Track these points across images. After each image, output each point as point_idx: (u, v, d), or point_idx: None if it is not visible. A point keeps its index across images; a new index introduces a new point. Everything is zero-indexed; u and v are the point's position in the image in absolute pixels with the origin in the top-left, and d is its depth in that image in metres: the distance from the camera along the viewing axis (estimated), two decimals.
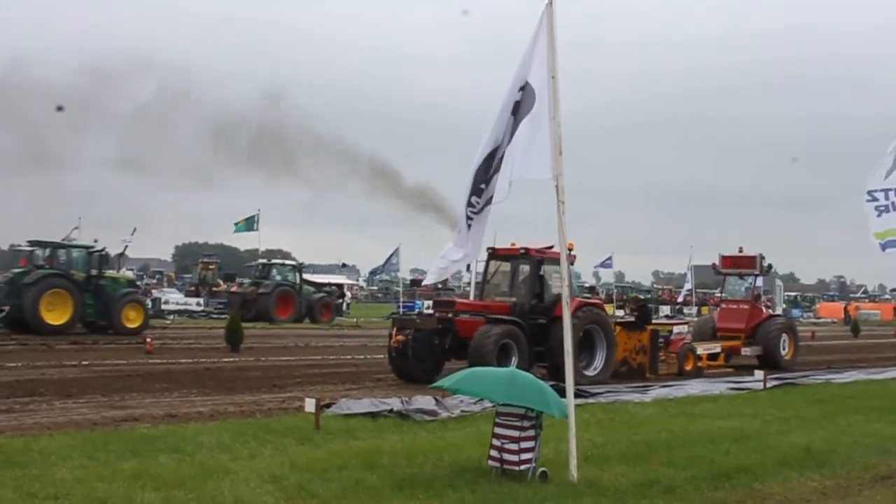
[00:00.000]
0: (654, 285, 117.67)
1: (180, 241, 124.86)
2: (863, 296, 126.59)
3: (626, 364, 24.72)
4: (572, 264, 23.55)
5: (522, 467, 10.80)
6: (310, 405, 14.58)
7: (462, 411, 16.43)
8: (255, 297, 48.74)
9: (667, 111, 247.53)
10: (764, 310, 33.06)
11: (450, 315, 22.48)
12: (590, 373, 22.90)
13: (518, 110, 10.97)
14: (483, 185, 11.26)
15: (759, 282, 34.23)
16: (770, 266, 32.47)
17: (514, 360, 21.06)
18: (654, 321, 29.84)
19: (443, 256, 13.02)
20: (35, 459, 11.21)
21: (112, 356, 27.95)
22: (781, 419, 16.98)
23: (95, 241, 39.93)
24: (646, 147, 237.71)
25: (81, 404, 17.56)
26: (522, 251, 23.51)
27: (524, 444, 10.86)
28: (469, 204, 11.39)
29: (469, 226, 11.50)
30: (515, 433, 10.92)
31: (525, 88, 10.97)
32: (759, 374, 23.49)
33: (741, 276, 33.33)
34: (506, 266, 24.51)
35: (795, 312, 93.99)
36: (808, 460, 12.94)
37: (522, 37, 11.29)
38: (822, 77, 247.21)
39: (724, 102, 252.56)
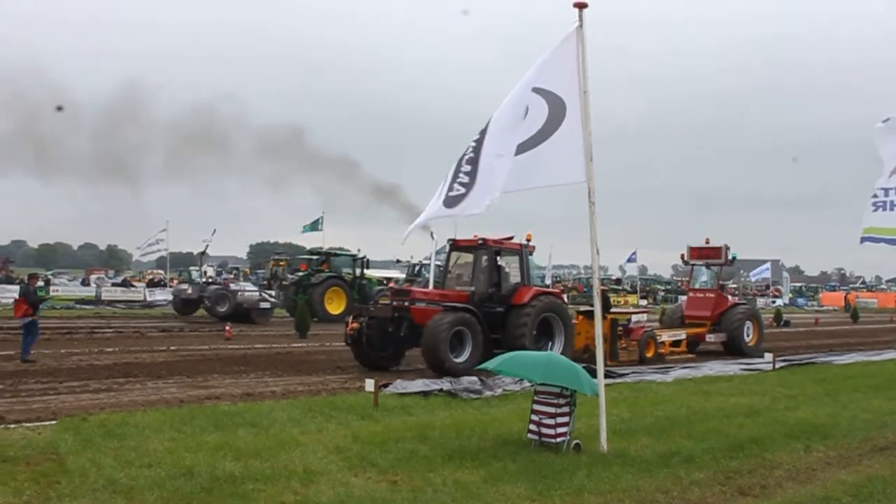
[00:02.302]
0: (674, 277, 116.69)
1: (254, 241, 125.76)
2: (861, 286, 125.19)
3: (587, 351, 22.79)
4: (531, 255, 23.07)
5: (558, 440, 10.78)
6: (369, 385, 14.64)
7: (504, 390, 16.41)
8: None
9: (685, 116, 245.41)
10: (729, 298, 31.09)
11: (406, 303, 21.03)
12: None
13: (526, 114, 10.81)
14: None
15: (773, 273, 33.33)
16: (735, 257, 30.65)
17: (469, 347, 19.91)
18: (622, 310, 29.06)
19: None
20: (131, 432, 11.33)
21: (196, 342, 28.16)
22: (789, 396, 16.83)
23: (358, 250, 45.57)
24: (665, 150, 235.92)
25: (170, 384, 17.71)
26: (481, 241, 22.08)
27: (560, 420, 10.85)
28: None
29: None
30: (552, 409, 10.91)
31: (548, 96, 10.85)
32: (768, 356, 23.21)
33: (708, 266, 31.87)
34: (466, 257, 23.00)
35: (801, 301, 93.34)
36: (813, 433, 12.84)
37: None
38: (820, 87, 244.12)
39: (739, 108, 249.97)
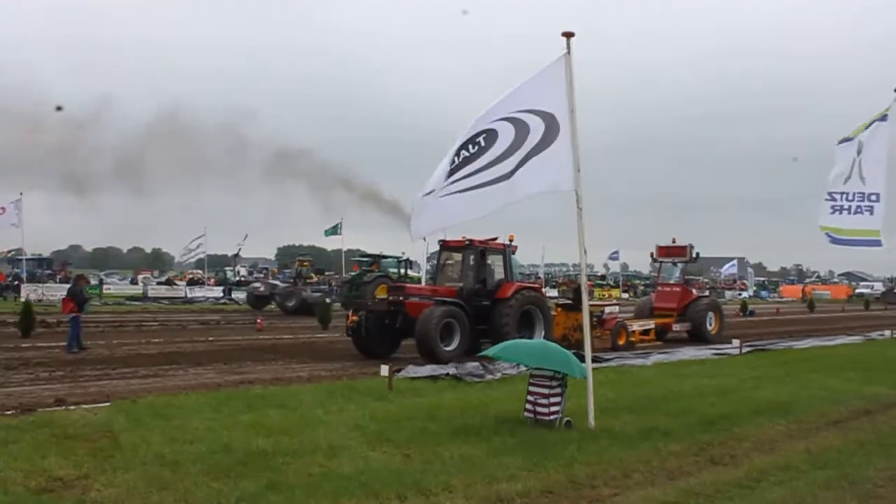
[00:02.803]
0: (652, 273, 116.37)
1: (282, 244, 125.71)
2: (816, 279, 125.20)
3: (566, 340, 22.99)
4: (514, 254, 22.93)
5: (551, 417, 10.79)
6: (384, 370, 14.65)
7: (503, 374, 16.39)
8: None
9: (659, 132, 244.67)
10: (694, 291, 30.96)
11: (401, 298, 20.99)
12: None
13: (528, 133, 10.81)
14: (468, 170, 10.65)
15: (739, 268, 33.16)
16: (698, 254, 30.44)
17: (457, 337, 19.87)
18: (596, 302, 28.73)
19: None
20: (175, 413, 11.34)
21: (231, 333, 28.22)
22: (754, 378, 16.80)
23: (402, 252, 45.61)
24: (644, 162, 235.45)
25: (209, 370, 17.75)
26: (468, 242, 21.97)
27: (553, 400, 10.86)
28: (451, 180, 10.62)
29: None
30: (546, 391, 10.92)
31: (542, 115, 10.88)
32: (735, 342, 23.21)
33: (674, 263, 31.34)
34: (456, 256, 22.81)
35: (763, 293, 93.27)
36: (775, 409, 12.86)
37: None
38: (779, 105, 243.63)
39: (706, 125, 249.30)
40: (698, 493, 8.01)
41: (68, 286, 24.52)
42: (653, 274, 33.07)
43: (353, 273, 46.65)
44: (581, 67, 11.08)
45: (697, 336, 27.83)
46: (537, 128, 10.80)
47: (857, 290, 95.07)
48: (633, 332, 25.96)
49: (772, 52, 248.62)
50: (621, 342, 24.65)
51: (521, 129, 10.78)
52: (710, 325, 28.67)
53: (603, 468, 8.87)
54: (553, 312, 23.82)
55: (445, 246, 22.88)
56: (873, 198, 18.52)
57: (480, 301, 21.24)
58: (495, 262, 22.41)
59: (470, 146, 10.71)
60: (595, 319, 23.94)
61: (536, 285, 23.72)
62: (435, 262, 24.63)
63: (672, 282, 30.90)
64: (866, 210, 18.41)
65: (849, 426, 12.03)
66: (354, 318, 21.14)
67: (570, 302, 25.75)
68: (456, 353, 19.23)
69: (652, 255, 31.03)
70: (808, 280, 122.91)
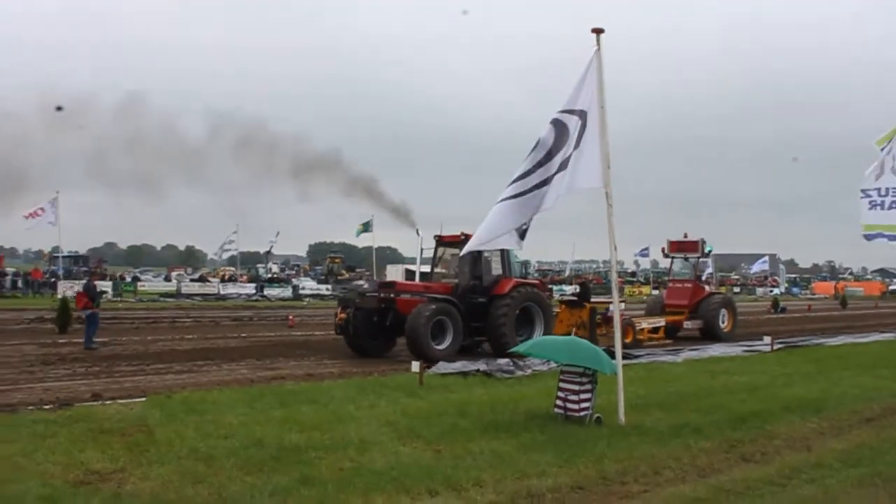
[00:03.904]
0: (682, 269, 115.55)
1: (313, 241, 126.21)
2: (849, 276, 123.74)
3: None
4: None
5: (581, 414, 10.75)
6: (415, 366, 14.64)
7: (533, 370, 16.35)
8: None
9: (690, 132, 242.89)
10: (706, 288, 29.96)
11: (391, 295, 20.14)
12: None
13: (569, 131, 10.80)
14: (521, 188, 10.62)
15: (770, 265, 32.56)
16: (710, 249, 29.98)
17: (450, 336, 19.19)
18: (601, 300, 28.06)
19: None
20: (209, 408, 11.44)
21: (263, 330, 28.40)
22: (785, 375, 16.65)
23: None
24: (674, 160, 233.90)
25: (242, 366, 17.87)
26: (463, 237, 20.13)
27: (583, 396, 10.82)
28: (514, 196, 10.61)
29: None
30: (576, 387, 10.89)
31: (579, 114, 10.82)
32: (766, 339, 22.94)
33: (686, 259, 30.61)
34: (452, 251, 22.01)
35: (795, 290, 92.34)
36: (807, 407, 12.68)
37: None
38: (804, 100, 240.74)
39: (734, 125, 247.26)
40: (729, 490, 7.95)
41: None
42: (682, 270, 32.47)
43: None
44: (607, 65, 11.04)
45: (709, 334, 27.17)
46: (574, 127, 10.74)
47: (891, 287, 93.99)
48: (641, 329, 25.17)
49: (796, 49, 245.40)
50: (627, 340, 23.58)
51: (562, 130, 10.72)
52: (724, 322, 27.98)
53: (633, 464, 8.82)
54: (557, 309, 23.40)
55: (441, 241, 22.21)
56: None
57: (476, 298, 20.53)
58: (493, 257, 21.52)
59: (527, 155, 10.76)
60: (600, 317, 23.51)
61: (536, 282, 22.99)
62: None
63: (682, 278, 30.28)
64: None
65: (882, 424, 11.86)
66: (343, 315, 20.54)
67: (574, 299, 25.26)
68: (447, 352, 18.65)
69: (663, 250, 30.36)
70: (840, 276, 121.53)
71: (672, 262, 31.07)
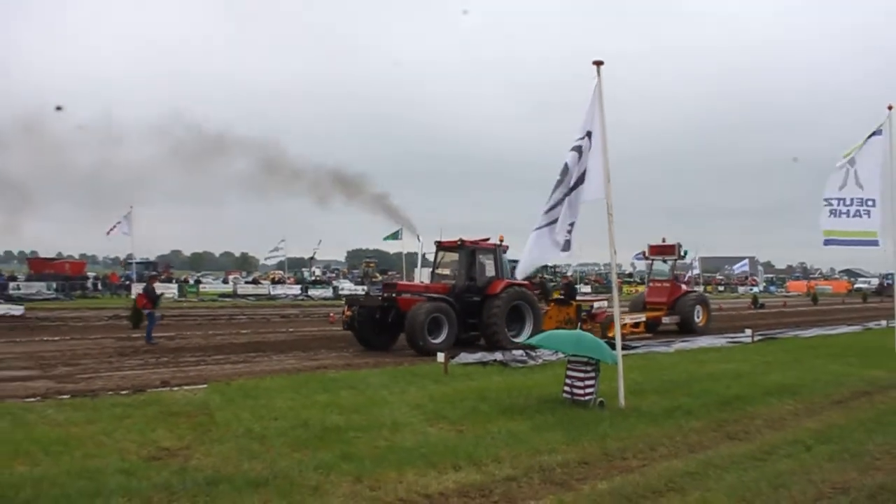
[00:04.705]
0: (674, 271, 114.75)
1: (350, 248, 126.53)
2: (819, 276, 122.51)
3: None
4: (504, 253, 21.61)
5: (586, 398, 10.71)
6: (440, 357, 14.62)
7: (544, 360, 16.31)
8: None
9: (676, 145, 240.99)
10: (683, 286, 29.10)
11: (393, 294, 19.88)
12: (519, 340, 19.57)
13: (582, 150, 10.77)
14: (552, 207, 10.67)
15: (750, 266, 31.88)
16: (686, 252, 29.16)
17: (445, 331, 18.94)
18: (586, 298, 27.28)
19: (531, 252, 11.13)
20: (262, 393, 11.48)
21: (308, 325, 28.47)
22: (765, 363, 16.49)
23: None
24: (662, 173, 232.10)
25: (289, 357, 17.92)
26: (460, 242, 20.80)
27: (587, 383, 10.78)
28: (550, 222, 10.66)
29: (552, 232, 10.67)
30: (581, 375, 10.85)
31: (588, 135, 10.80)
32: (748, 331, 22.71)
33: (664, 261, 29.39)
34: (450, 256, 21.56)
35: (772, 288, 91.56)
36: (784, 391, 12.59)
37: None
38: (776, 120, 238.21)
39: (713, 138, 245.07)
40: (716, 465, 7.89)
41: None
42: (675, 272, 32.02)
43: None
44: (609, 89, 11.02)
45: (686, 328, 26.60)
46: (586, 148, 10.75)
47: (856, 286, 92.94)
48: (624, 324, 23.99)
49: (771, 69, 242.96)
50: (610, 334, 23.18)
51: (580, 153, 10.73)
52: (698, 317, 27.40)
53: (632, 442, 8.78)
54: (547, 307, 23.02)
55: (441, 246, 21.93)
56: (870, 203, 18.29)
57: (471, 297, 20.23)
58: (487, 260, 21.16)
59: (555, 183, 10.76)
60: (585, 314, 23.07)
61: (526, 283, 22.87)
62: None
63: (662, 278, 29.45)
64: (864, 213, 18.20)
65: (850, 406, 11.75)
66: (348, 312, 20.45)
67: (561, 297, 24.90)
68: (443, 346, 18.24)
69: (644, 253, 29.73)
70: (811, 276, 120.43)
71: (652, 264, 30.40)
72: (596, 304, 24.24)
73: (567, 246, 10.71)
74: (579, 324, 22.19)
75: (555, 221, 10.58)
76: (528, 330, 20.30)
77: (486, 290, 20.32)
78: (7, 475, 6.91)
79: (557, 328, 21.38)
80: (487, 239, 21.28)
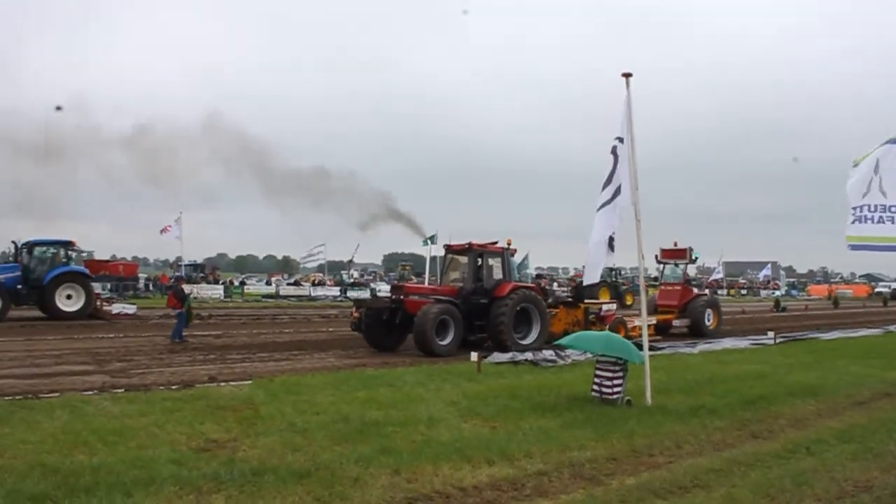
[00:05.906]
0: (697, 274, 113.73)
1: (387, 251, 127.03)
2: (840, 280, 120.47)
3: (566, 334, 20.70)
4: (513, 256, 21.23)
5: (614, 397, 10.67)
6: (474, 356, 14.63)
7: (573, 360, 16.25)
8: None
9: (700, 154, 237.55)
10: (694, 290, 28.24)
11: (401, 297, 19.51)
12: (526, 342, 19.33)
13: (617, 156, 10.74)
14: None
15: (772, 271, 31.26)
16: (697, 257, 28.41)
17: (452, 333, 18.42)
18: (593, 300, 26.40)
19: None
20: (304, 389, 11.57)
21: (346, 325, 28.51)
22: (787, 364, 16.28)
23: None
24: (680, 180, 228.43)
25: (330, 355, 17.99)
26: (468, 245, 20.30)
27: (616, 382, 10.74)
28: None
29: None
30: (609, 374, 10.81)
31: (621, 140, 10.81)
32: (770, 333, 22.37)
33: (676, 265, 28.55)
34: (459, 259, 21.14)
35: (794, 292, 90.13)
36: (807, 392, 12.47)
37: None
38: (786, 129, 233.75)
39: (736, 148, 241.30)
40: (741, 462, 7.81)
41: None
42: (698, 275, 31.45)
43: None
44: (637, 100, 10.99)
45: (696, 331, 25.87)
46: (621, 152, 10.77)
47: (876, 290, 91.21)
48: (634, 327, 23.18)
49: (775, 83, 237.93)
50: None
51: (616, 156, 10.77)
52: (709, 321, 26.70)
53: (659, 440, 8.72)
54: (556, 310, 22.50)
55: (449, 249, 21.55)
56: (894, 209, 18.06)
57: (479, 299, 19.65)
58: (494, 263, 20.58)
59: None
60: (594, 316, 22.54)
61: (533, 285, 22.25)
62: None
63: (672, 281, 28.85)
64: (888, 220, 18.00)
65: (871, 406, 11.58)
66: (356, 314, 20.22)
67: (570, 300, 24.45)
68: (449, 348, 18.14)
69: (656, 257, 28.68)
70: (832, 280, 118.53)
71: (664, 268, 29.81)
72: (604, 307, 23.83)
73: (612, 245, 10.73)
74: (588, 326, 21.89)
75: (617, 194, 10.65)
76: (535, 332, 19.87)
77: (494, 293, 19.85)
78: (68, 463, 7.04)
79: (566, 331, 20.92)
80: (496, 242, 20.95)
